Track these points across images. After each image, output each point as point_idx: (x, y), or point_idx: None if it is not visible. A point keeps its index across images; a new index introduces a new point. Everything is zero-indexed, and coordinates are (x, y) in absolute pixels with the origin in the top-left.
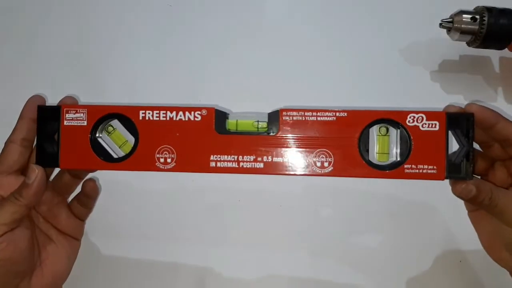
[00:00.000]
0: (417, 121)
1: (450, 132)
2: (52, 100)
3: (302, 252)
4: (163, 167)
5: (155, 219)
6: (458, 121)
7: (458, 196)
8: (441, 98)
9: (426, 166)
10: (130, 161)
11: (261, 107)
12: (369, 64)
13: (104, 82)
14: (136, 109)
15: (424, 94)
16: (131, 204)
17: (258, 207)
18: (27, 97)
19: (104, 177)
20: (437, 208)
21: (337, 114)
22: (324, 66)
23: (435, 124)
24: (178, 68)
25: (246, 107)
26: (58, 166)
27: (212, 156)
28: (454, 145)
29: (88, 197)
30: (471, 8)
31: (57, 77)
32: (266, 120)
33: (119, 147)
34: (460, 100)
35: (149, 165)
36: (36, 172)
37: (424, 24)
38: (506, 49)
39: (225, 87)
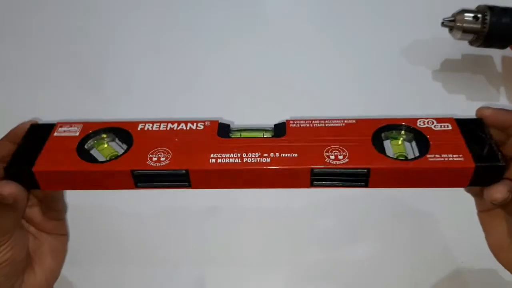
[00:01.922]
0: (428, 124)
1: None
2: (52, 100)
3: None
4: (154, 165)
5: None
6: (468, 125)
7: (496, 201)
8: (443, 97)
9: (450, 155)
10: (117, 161)
11: (262, 107)
12: (370, 64)
13: (104, 81)
14: (135, 124)
15: (426, 94)
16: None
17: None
18: (27, 97)
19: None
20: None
21: (346, 121)
22: (324, 66)
23: (447, 125)
24: (178, 67)
25: (246, 108)
26: (31, 167)
27: (212, 154)
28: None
29: (52, 202)
30: (473, 7)
31: (57, 77)
32: (272, 130)
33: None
34: (462, 99)
35: (139, 164)
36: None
37: (426, 23)
38: (509, 48)
39: (225, 85)
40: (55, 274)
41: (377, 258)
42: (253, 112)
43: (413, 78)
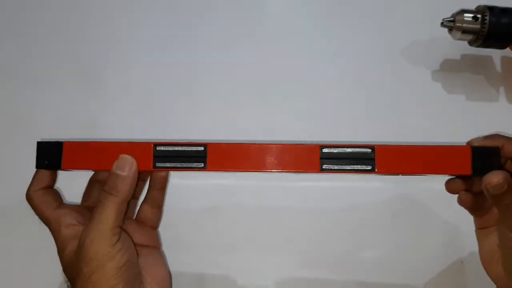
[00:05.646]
0: None
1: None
2: (52, 100)
3: (299, 260)
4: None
5: None
6: (484, 154)
7: (491, 184)
8: (443, 98)
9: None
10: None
11: (261, 108)
12: (370, 64)
13: (104, 82)
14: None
15: (426, 94)
16: None
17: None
18: (27, 97)
19: None
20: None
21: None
22: (324, 65)
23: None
24: (178, 68)
25: (246, 108)
26: (60, 168)
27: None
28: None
29: (159, 189)
30: (472, 7)
31: (57, 77)
32: None
33: None
34: (461, 100)
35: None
36: (130, 162)
37: (426, 23)
38: (508, 48)
39: (226, 87)
40: (165, 283)
41: (378, 258)
42: (253, 112)
43: (412, 78)
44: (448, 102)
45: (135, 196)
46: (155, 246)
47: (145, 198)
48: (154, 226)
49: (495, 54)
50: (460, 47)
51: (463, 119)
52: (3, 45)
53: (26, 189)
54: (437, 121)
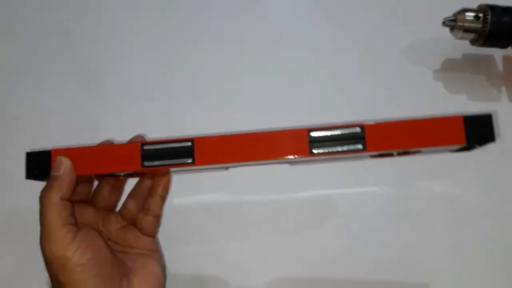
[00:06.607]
0: None
1: None
2: (52, 100)
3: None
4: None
5: None
6: (477, 123)
7: None
8: (444, 97)
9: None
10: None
11: (261, 107)
12: (371, 63)
13: (103, 82)
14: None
15: (427, 93)
16: None
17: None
18: (27, 96)
19: None
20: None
21: None
22: (324, 65)
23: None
24: (178, 68)
25: (245, 108)
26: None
27: None
28: None
29: (160, 196)
30: (474, 6)
31: (57, 77)
32: None
33: None
34: (463, 99)
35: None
36: (64, 163)
37: (427, 22)
38: (510, 47)
39: (225, 88)
40: (158, 284)
41: (379, 259)
42: (252, 112)
43: (413, 78)
44: (449, 102)
45: (111, 206)
46: (152, 249)
47: (142, 206)
48: (150, 235)
49: (497, 54)
50: (462, 46)
51: None
52: (3, 46)
53: (23, 191)
54: None
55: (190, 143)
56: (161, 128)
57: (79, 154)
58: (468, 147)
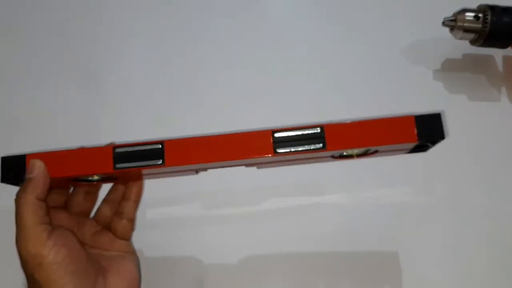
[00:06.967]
0: None
1: None
2: (52, 100)
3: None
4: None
5: None
6: (426, 121)
7: None
8: (444, 97)
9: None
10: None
11: (261, 107)
12: (371, 63)
13: (103, 82)
14: None
15: (427, 93)
16: None
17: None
18: (27, 96)
19: None
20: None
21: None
22: (324, 65)
23: None
24: (178, 68)
25: (245, 108)
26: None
27: None
28: None
29: (133, 201)
30: (474, 6)
31: (56, 77)
32: None
33: None
34: (463, 100)
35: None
36: (38, 165)
37: (427, 22)
38: (509, 47)
39: (225, 87)
40: (134, 283)
41: (378, 258)
42: (252, 112)
43: (413, 78)
44: (449, 102)
45: (86, 211)
46: (127, 251)
47: (116, 210)
48: (125, 238)
49: (497, 54)
50: (462, 46)
51: (465, 119)
52: (3, 45)
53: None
54: None
55: (160, 145)
56: (161, 128)
57: (53, 157)
58: (422, 146)
